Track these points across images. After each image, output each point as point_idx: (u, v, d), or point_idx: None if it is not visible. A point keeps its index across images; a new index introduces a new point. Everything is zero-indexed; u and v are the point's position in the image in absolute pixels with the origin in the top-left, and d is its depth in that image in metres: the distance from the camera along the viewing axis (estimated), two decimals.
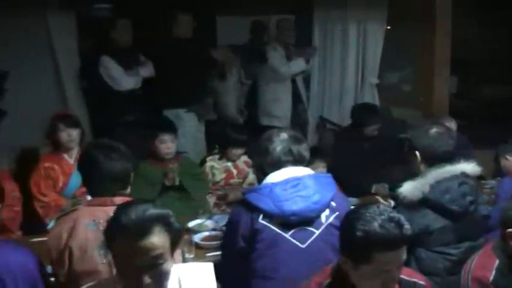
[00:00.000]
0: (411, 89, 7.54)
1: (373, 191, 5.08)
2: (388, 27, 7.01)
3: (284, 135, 3.22)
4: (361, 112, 5.72)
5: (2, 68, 5.61)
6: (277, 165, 3.16)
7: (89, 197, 4.26)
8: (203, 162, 5.23)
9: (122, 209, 2.28)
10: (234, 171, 5.19)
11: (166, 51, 6.11)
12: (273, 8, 8.15)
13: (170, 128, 4.98)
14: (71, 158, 4.79)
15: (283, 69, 6.73)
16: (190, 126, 6.31)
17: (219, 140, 5.36)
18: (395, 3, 6.90)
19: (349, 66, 7.10)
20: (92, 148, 3.12)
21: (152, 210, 2.26)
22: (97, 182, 3.05)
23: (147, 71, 6.01)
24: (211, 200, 5.01)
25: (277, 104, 6.88)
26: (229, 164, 5.19)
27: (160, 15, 6.33)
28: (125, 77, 5.85)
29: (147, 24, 6.41)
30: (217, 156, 5.21)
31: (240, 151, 5.14)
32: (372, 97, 7.04)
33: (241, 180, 5.16)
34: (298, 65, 6.84)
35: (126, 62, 5.87)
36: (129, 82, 5.86)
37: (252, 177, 5.12)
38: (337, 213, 3.11)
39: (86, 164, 3.11)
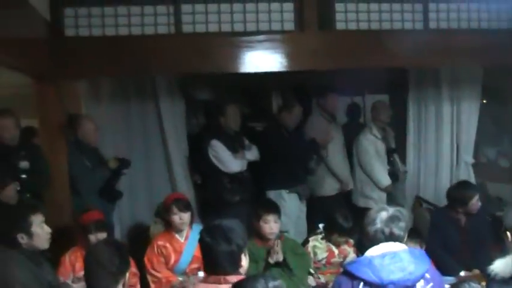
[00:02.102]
0: (508, 164, 7.51)
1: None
2: (484, 101, 7.02)
3: (384, 215, 3.43)
4: (459, 191, 5.73)
5: (118, 154, 6.07)
6: (376, 241, 3.39)
7: (200, 274, 4.61)
8: (306, 241, 5.45)
9: (246, 282, 2.52)
10: (336, 251, 5.37)
11: (272, 137, 6.51)
12: (368, 88, 8.31)
13: (274, 209, 5.17)
14: (181, 237, 5.10)
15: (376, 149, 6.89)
16: (292, 206, 6.56)
17: (322, 220, 5.57)
18: (490, 78, 6.94)
19: (443, 145, 7.12)
20: (209, 228, 3.38)
21: (274, 282, 2.50)
22: (212, 261, 3.30)
23: (252, 154, 6.40)
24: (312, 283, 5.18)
25: (373, 185, 6.92)
26: (331, 243, 5.39)
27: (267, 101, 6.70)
28: (233, 160, 6.22)
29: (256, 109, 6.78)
30: (319, 236, 5.41)
31: (344, 239, 5.33)
32: (467, 174, 7.03)
33: (342, 260, 5.31)
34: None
35: (233, 146, 6.27)
36: (237, 165, 6.23)
37: (352, 256, 5.29)
38: (432, 284, 3.29)
39: (203, 245, 3.37)
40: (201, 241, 3.35)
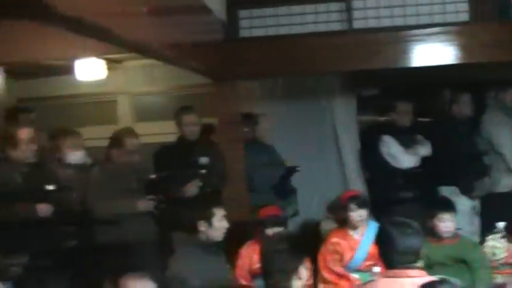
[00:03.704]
0: None
1: None
2: None
3: None
4: None
5: (291, 151, 6.20)
6: None
7: (375, 269, 4.59)
8: (483, 240, 5.24)
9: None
10: None
11: (444, 132, 6.33)
12: None
13: (450, 207, 5.01)
14: (356, 234, 5.08)
15: None
16: (465, 203, 6.34)
17: (499, 219, 5.32)
18: None
19: None
20: (388, 224, 3.39)
21: None
22: (392, 255, 3.29)
23: (425, 150, 6.24)
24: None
25: None
26: None
27: (439, 96, 6.56)
28: (405, 156, 6.11)
29: (427, 104, 6.66)
30: (498, 235, 5.19)
31: None
32: None
33: None
34: None
35: (405, 142, 6.16)
36: (409, 161, 6.12)
37: None
38: None
39: (381, 239, 3.37)
40: (380, 236, 3.33)
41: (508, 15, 5.60)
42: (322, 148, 6.70)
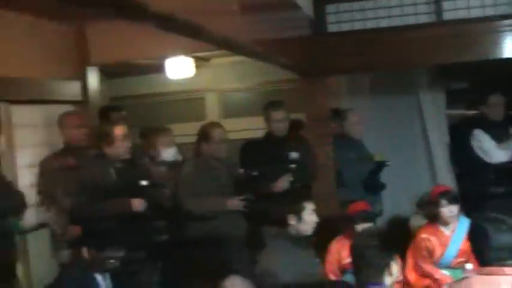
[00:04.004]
0: None
1: None
2: None
3: None
4: None
5: (380, 146, 6.18)
6: None
7: (467, 266, 4.50)
8: None
9: None
10: None
11: None
12: None
13: None
14: (447, 230, 4.99)
15: None
16: None
17: None
18: None
19: None
20: (481, 220, 3.31)
21: None
22: (486, 251, 3.22)
23: None
24: None
25: None
26: None
27: None
28: (497, 151, 5.96)
29: None
30: None
31: None
32: None
33: None
34: None
35: (497, 136, 6.00)
36: (502, 155, 5.96)
37: None
38: None
39: (475, 235, 3.30)
40: (473, 232, 3.27)
41: None
42: (410, 143, 6.64)
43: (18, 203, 4.71)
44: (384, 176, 6.12)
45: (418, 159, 6.62)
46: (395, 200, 6.55)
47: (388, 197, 6.38)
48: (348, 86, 6.42)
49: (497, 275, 3.07)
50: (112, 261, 4.05)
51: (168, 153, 5.17)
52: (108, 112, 5.61)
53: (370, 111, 6.43)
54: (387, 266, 3.26)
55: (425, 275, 4.91)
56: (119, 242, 4.35)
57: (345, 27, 5.69)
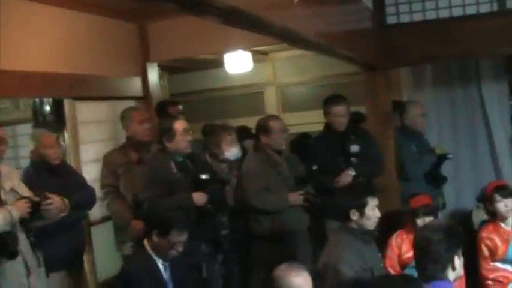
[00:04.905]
0: None
1: None
2: None
3: None
4: None
5: (443, 138, 6.13)
6: None
7: None
8: None
9: None
10: None
11: None
12: None
13: None
14: (508, 226, 4.88)
15: None
16: None
17: None
18: None
19: None
20: None
21: None
22: None
23: None
24: None
25: None
26: None
27: None
28: None
29: None
30: None
31: None
32: None
33: None
34: None
35: None
36: None
37: None
38: None
39: None
40: None
41: None
42: (473, 135, 6.51)
43: (91, 198, 4.89)
44: (446, 168, 6.03)
45: (481, 151, 6.49)
46: (458, 194, 6.45)
47: (451, 190, 6.30)
48: (410, 78, 6.34)
49: None
50: (173, 251, 4.09)
51: (231, 152, 5.18)
52: (164, 107, 5.68)
53: (432, 103, 6.34)
54: (450, 260, 3.23)
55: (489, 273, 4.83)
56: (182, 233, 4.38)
57: (405, 18, 5.61)
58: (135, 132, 5.21)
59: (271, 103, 8.14)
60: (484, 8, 5.47)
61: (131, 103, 5.70)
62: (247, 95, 8.32)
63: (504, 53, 5.86)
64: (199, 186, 4.65)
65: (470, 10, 5.49)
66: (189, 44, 5.77)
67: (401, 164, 5.67)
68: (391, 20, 5.65)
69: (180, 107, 5.71)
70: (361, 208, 3.97)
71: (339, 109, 5.34)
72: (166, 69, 7.35)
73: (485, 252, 4.85)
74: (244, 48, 6.59)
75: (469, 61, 6.33)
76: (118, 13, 5.52)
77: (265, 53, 7.61)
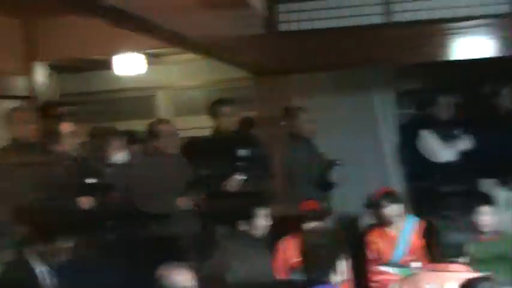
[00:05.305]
0: None
1: None
2: None
3: None
4: None
5: (331, 144, 6.22)
6: None
7: (413, 265, 4.58)
8: None
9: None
10: None
11: (484, 124, 6.24)
12: None
13: (488, 200, 4.90)
14: (393, 230, 4.95)
15: None
16: (506, 198, 6.24)
17: None
18: None
19: None
20: (431, 218, 3.37)
21: None
22: (435, 249, 3.27)
23: (465, 144, 6.17)
24: None
25: None
26: None
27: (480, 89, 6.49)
28: (444, 150, 6.06)
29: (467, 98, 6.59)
30: None
31: None
32: None
33: None
34: None
35: (444, 136, 6.11)
36: (448, 155, 6.07)
37: None
38: None
39: (427, 233, 3.35)
40: (426, 230, 3.34)
41: None
42: (361, 142, 6.68)
43: None
44: (337, 174, 6.17)
45: (369, 158, 6.68)
46: (345, 199, 6.60)
47: (338, 196, 6.44)
48: (302, 85, 6.43)
49: (444, 271, 3.14)
50: (61, 254, 3.97)
51: (119, 157, 5.08)
52: (55, 108, 5.50)
53: (323, 110, 6.44)
54: (335, 265, 3.29)
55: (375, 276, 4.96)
56: (67, 236, 4.26)
57: (297, 26, 5.69)
58: (19, 132, 5.02)
59: (163, 107, 8.07)
60: (373, 20, 5.63)
61: (15, 103, 5.49)
62: (139, 98, 8.21)
63: (391, 64, 6.07)
64: (86, 190, 4.54)
65: (358, 21, 5.64)
66: (79, 44, 5.65)
67: (290, 170, 5.73)
68: (283, 27, 5.72)
69: (67, 108, 5.55)
70: (250, 219, 3.99)
71: (226, 109, 5.35)
72: (57, 69, 7.13)
73: (371, 255, 4.98)
74: (137, 51, 6.50)
75: (361, 70, 6.50)
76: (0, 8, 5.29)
77: (157, 56, 7.53)
